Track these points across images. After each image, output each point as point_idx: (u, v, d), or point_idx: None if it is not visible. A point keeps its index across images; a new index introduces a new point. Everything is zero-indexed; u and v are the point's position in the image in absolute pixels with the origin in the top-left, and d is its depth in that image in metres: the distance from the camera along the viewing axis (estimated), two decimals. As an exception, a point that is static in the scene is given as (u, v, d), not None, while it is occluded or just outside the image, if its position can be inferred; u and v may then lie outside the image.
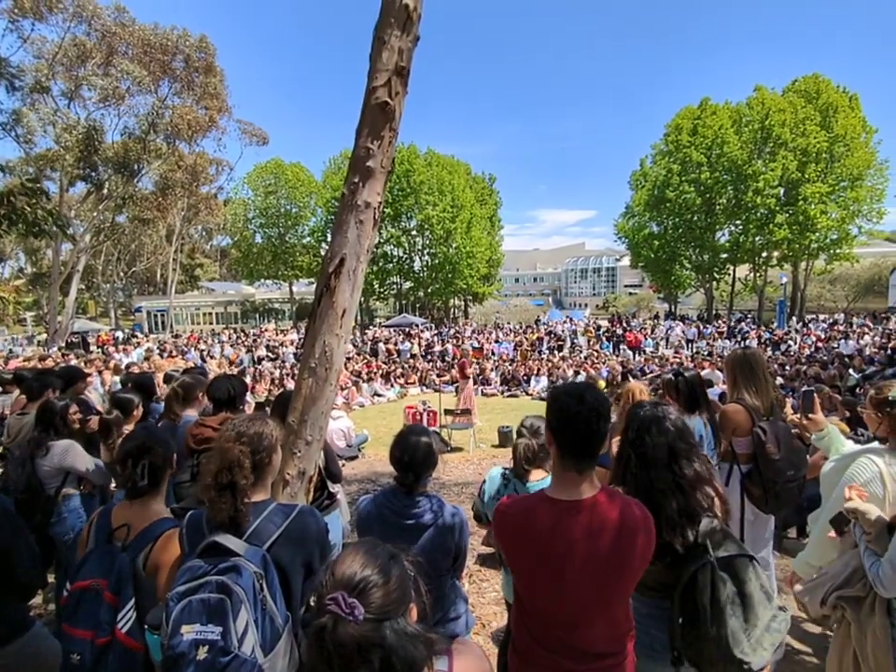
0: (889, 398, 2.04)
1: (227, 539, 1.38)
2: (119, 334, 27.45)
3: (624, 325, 25.35)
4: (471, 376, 11.21)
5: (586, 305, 49.46)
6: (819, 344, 17.44)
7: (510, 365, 17.60)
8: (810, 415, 2.53)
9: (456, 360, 14.84)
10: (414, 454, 1.92)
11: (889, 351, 12.25)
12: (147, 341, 23.08)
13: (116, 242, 34.89)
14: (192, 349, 20.87)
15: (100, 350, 20.26)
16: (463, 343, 20.92)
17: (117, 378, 8.37)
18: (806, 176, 26.54)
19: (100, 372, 9.02)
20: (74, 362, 10.59)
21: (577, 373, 15.18)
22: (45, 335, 24.81)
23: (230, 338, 25.76)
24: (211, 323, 40.28)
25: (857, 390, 8.89)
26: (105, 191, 22.66)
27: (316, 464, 2.32)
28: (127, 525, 1.78)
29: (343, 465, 7.37)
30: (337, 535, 2.75)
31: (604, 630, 1.43)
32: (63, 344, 20.55)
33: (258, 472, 1.52)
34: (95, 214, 23.78)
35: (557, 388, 1.55)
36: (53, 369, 5.87)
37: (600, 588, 1.39)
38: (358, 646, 0.83)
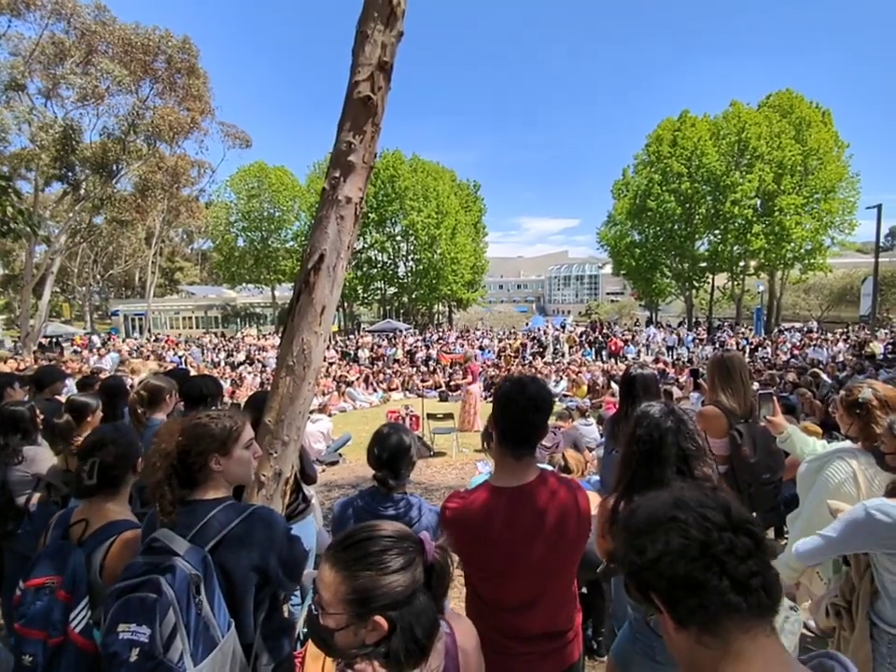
0: (859, 399, 2.09)
1: (167, 537, 1.31)
2: (95, 338, 26.75)
3: (606, 331, 25.60)
4: (478, 380, 11.15)
5: (569, 312, 49.98)
6: (795, 352, 17.87)
7: (493, 371, 17.61)
8: (769, 417, 2.55)
9: (459, 365, 14.46)
10: (392, 450, 1.89)
11: (861, 357, 12.59)
12: (124, 343, 22.56)
13: (92, 244, 34.12)
14: (170, 352, 20.47)
15: (74, 353, 19.72)
16: (447, 347, 20.90)
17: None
18: (782, 188, 27.29)
19: (73, 376, 8.78)
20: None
21: (559, 379, 15.28)
22: (14, 339, 24.05)
23: (210, 341, 25.32)
24: (191, 327, 39.46)
25: (829, 395, 9.08)
26: (82, 192, 22.11)
27: (293, 466, 2.26)
28: (85, 521, 1.70)
29: (323, 469, 7.25)
30: (311, 541, 2.66)
31: (552, 609, 1.49)
32: (36, 348, 19.95)
33: (190, 471, 1.45)
34: (71, 215, 23.19)
35: (505, 379, 1.59)
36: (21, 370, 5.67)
37: (550, 565, 1.45)
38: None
